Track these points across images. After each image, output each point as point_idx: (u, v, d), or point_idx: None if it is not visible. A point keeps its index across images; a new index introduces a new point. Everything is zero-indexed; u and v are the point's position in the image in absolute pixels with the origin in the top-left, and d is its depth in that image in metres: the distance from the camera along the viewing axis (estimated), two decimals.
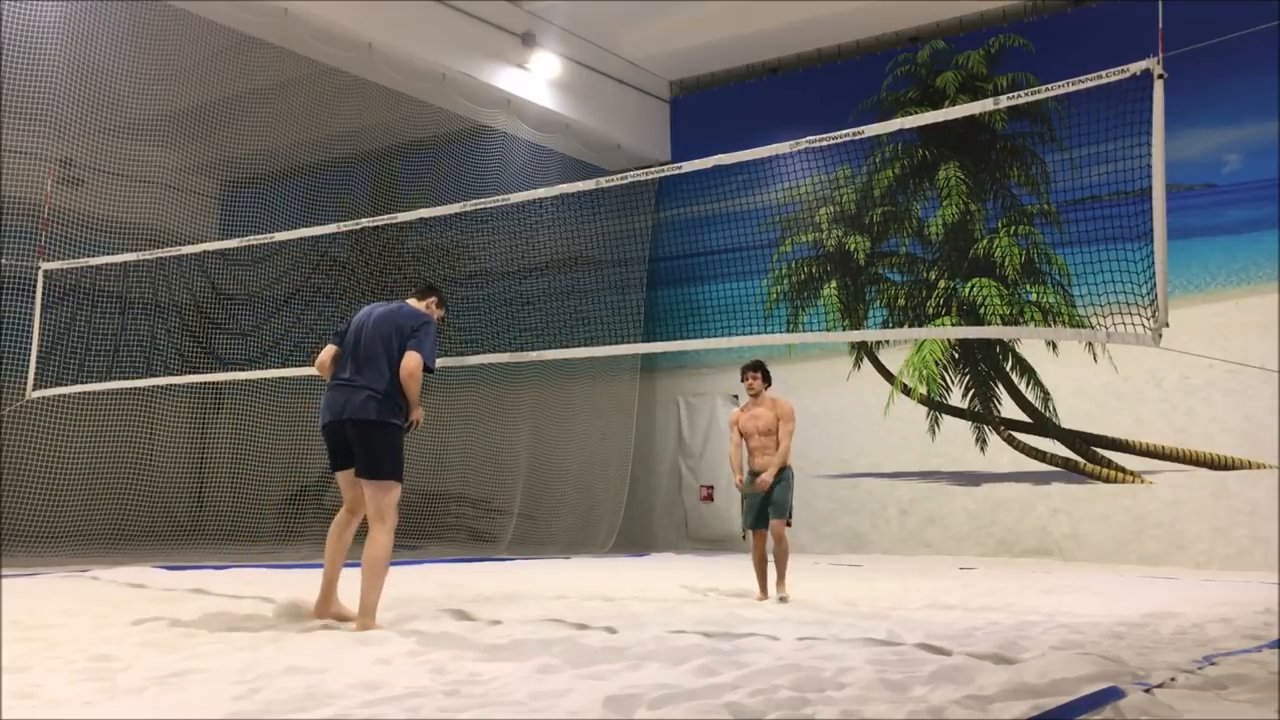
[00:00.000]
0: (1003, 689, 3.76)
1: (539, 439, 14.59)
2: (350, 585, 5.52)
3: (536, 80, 13.85)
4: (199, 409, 15.46)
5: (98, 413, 12.50)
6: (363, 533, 5.61)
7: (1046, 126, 12.96)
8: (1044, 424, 12.85)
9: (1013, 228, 13.24)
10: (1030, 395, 12.99)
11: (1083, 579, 9.89)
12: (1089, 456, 12.52)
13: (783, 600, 7.39)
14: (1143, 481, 12.14)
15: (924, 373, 13.67)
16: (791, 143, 7.21)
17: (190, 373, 13.60)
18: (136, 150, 12.14)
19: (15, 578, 7.85)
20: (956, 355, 13.56)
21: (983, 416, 13.29)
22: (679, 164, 7.96)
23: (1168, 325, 5.59)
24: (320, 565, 5.75)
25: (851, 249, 14.27)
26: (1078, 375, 12.66)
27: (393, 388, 5.51)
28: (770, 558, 7.65)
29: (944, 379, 13.60)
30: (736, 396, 13.39)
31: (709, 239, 14.20)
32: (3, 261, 10.65)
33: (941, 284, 13.59)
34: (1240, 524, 11.42)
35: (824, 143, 7.05)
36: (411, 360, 5.49)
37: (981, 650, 4.73)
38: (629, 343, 13.67)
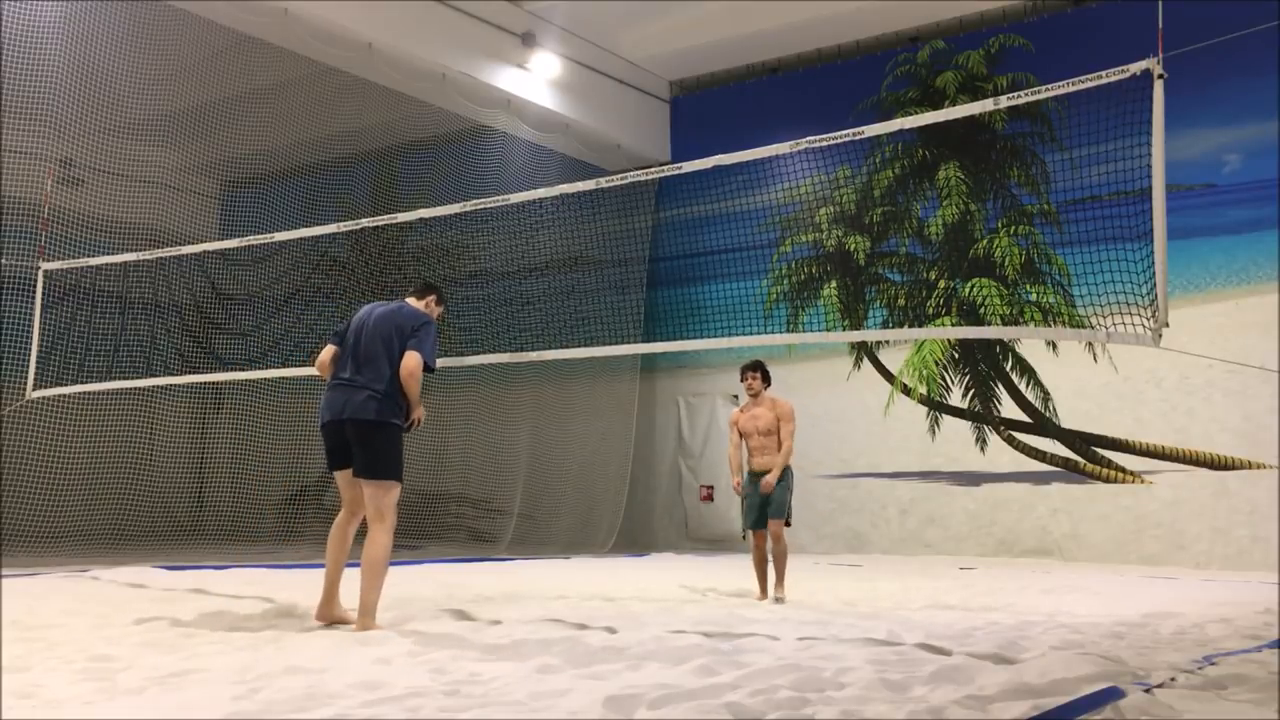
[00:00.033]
0: (1003, 689, 3.76)
1: (539, 439, 14.59)
2: (350, 585, 5.52)
3: (536, 80, 13.85)
4: (199, 409, 15.46)
5: (98, 413, 12.51)
6: (362, 533, 5.61)
7: (1046, 126, 12.96)
8: (1044, 424, 12.85)
9: (1013, 228, 13.24)
10: (1030, 395, 12.99)
11: (1083, 579, 9.88)
12: (1089, 456, 12.52)
13: (778, 601, 7.38)
14: (1143, 481, 12.14)
15: (924, 373, 13.67)
16: (791, 143, 7.21)
17: (190, 373, 13.60)
18: (136, 150, 12.14)
19: (15, 578, 7.85)
20: (956, 355, 13.56)
21: (983, 416, 13.29)
22: (679, 164, 7.96)
23: (1168, 325, 5.59)
24: (320, 565, 5.74)
25: (851, 249, 14.27)
26: (1078, 375, 12.66)
27: (393, 388, 5.51)
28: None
29: (944, 379, 13.60)
30: (736, 396, 13.39)
31: (709, 239, 14.20)
32: (3, 261, 10.65)
33: (941, 284, 13.59)
34: (1240, 524, 11.42)
35: (824, 143, 7.05)
36: (412, 360, 5.49)
37: (981, 650, 4.73)
38: (629, 343, 13.67)
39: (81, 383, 11.15)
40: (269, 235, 9.89)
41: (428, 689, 3.74)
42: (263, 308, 14.29)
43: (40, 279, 10.18)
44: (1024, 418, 13.01)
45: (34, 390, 10.11)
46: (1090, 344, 12.42)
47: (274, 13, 11.17)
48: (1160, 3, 6.05)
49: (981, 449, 13.24)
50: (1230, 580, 9.79)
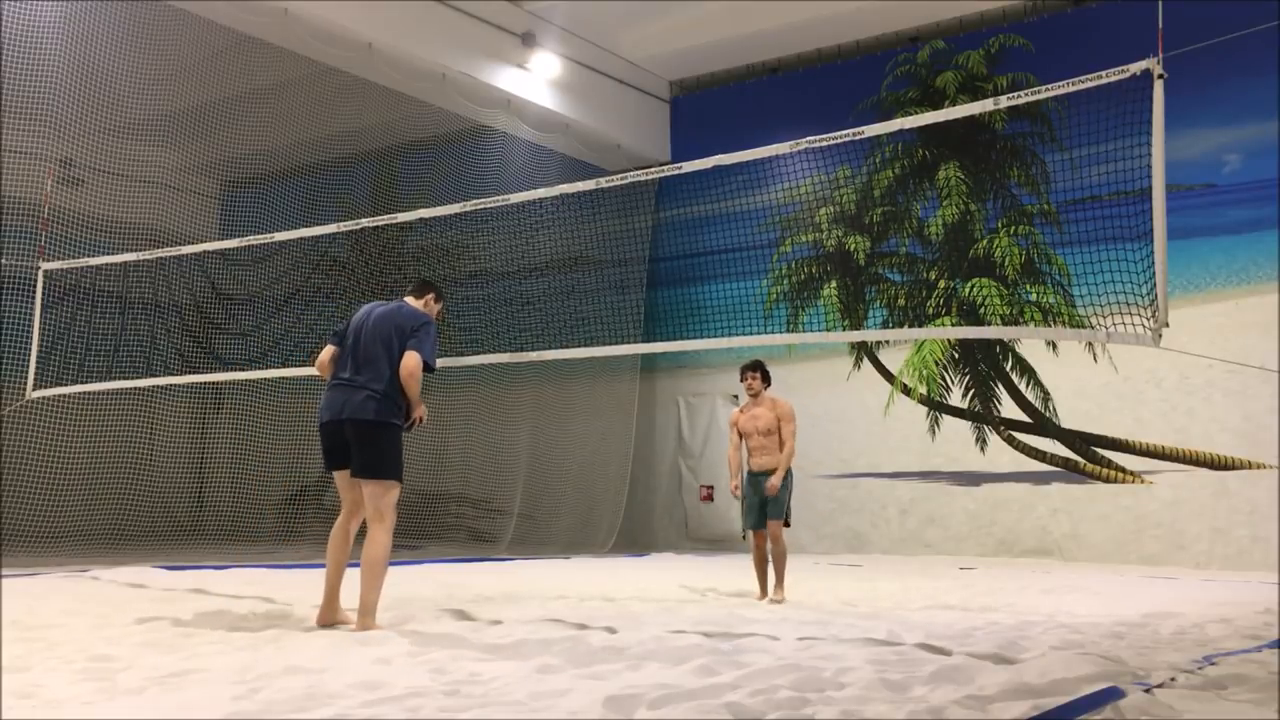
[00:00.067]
0: (1003, 689, 3.76)
1: (539, 439, 14.59)
2: (350, 585, 5.52)
3: (536, 80, 13.85)
4: (199, 409, 15.46)
5: (98, 413, 12.51)
6: (362, 533, 5.61)
7: (1046, 126, 12.96)
8: (1044, 424, 12.85)
9: (1013, 228, 13.24)
10: (1030, 395, 12.99)
11: (1083, 579, 9.88)
12: (1089, 456, 12.52)
13: (776, 603, 7.36)
14: (1143, 481, 12.14)
15: (924, 373, 13.67)
16: (791, 143, 7.21)
17: (190, 373, 13.60)
18: (136, 150, 12.14)
19: (15, 578, 7.85)
20: (956, 355, 13.56)
21: (983, 416, 13.29)
22: (679, 164, 7.96)
23: (1168, 325, 5.60)
24: (320, 565, 5.74)
25: (851, 249, 14.27)
26: (1078, 375, 12.66)
27: (392, 388, 5.51)
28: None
29: (944, 379, 13.60)
30: (736, 396, 13.39)
31: (709, 239, 14.20)
32: (3, 261, 10.65)
33: (941, 284, 13.59)
34: (1240, 524, 11.42)
35: (824, 143, 7.05)
36: (411, 360, 5.49)
37: (981, 650, 4.73)
38: (629, 343, 13.67)
39: (81, 383, 11.15)
40: (269, 235, 9.89)
41: (428, 689, 3.74)
42: (263, 308, 14.29)
43: (40, 279, 10.19)
44: (1024, 418, 13.01)
45: (34, 390, 10.11)
46: (1090, 344, 12.42)
47: (274, 13, 11.17)
48: (1160, 3, 6.05)
49: (981, 449, 13.24)
50: (1230, 580, 9.79)
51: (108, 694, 3.63)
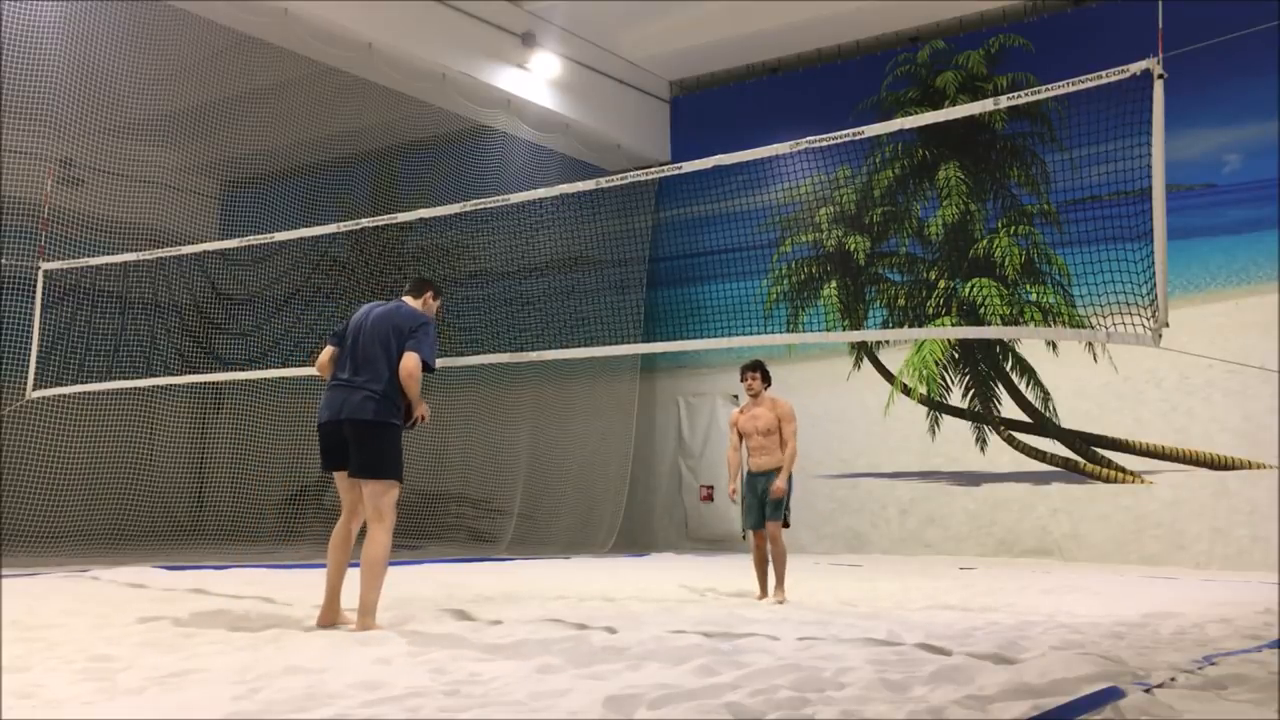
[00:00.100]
0: (1003, 689, 3.76)
1: (539, 439, 14.59)
2: (350, 585, 5.52)
3: (536, 80, 13.85)
4: (199, 409, 15.46)
5: (98, 413, 12.51)
6: (362, 533, 5.61)
7: (1046, 126, 12.96)
8: (1044, 424, 12.85)
9: (1013, 228, 13.24)
10: (1030, 395, 12.99)
11: (1083, 579, 9.88)
12: (1089, 456, 12.52)
13: (778, 603, 7.35)
14: (1143, 481, 12.14)
15: (924, 373, 13.67)
16: (791, 143, 7.21)
17: (190, 373, 13.60)
18: (136, 150, 12.14)
19: (15, 578, 7.85)
20: (956, 355, 13.56)
21: (983, 416, 13.29)
22: (679, 164, 7.96)
23: (1168, 325, 5.60)
24: (320, 565, 5.74)
25: (851, 249, 14.27)
26: (1078, 375, 12.66)
27: (391, 388, 5.50)
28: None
29: (944, 379, 13.60)
30: (736, 396, 13.38)
31: (709, 239, 14.20)
32: (3, 261, 10.65)
33: (941, 284, 13.59)
34: (1240, 524, 11.42)
35: (824, 143, 7.05)
36: (410, 361, 5.49)
37: (981, 650, 4.74)
38: (629, 343, 13.67)
39: (81, 383, 11.15)
40: (269, 235, 9.89)
41: (428, 689, 3.74)
42: (263, 308, 14.29)
43: (40, 279, 10.19)
44: (1024, 418, 13.01)
45: (34, 390, 10.11)
46: (1090, 344, 12.42)
47: (274, 13, 11.17)
48: (1160, 3, 6.05)
49: (981, 449, 13.24)
50: (1230, 580, 9.79)
51: (108, 694, 3.63)
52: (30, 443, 11.32)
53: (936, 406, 13.57)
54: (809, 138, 7.11)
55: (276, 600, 6.66)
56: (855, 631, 5.51)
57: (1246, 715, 3.52)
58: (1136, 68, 5.77)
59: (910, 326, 13.76)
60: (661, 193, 14.95)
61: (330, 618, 5.52)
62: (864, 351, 14.13)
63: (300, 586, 7.25)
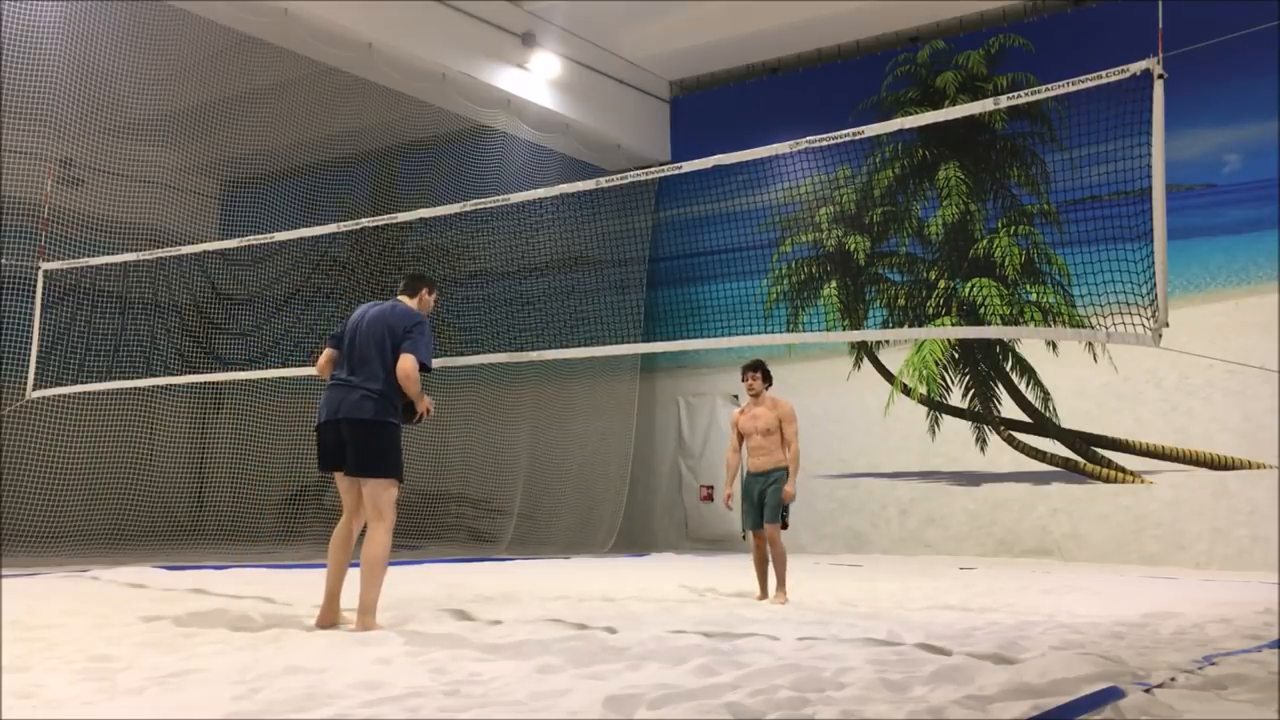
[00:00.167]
0: (1003, 689, 3.76)
1: (539, 439, 14.59)
2: (350, 585, 5.52)
3: (536, 80, 13.85)
4: (199, 409, 15.46)
5: (98, 413, 12.51)
6: (362, 532, 5.61)
7: (1046, 126, 12.96)
8: (1044, 424, 12.85)
9: (1013, 228, 13.24)
10: (1030, 395, 12.99)
11: (1083, 579, 9.88)
12: (1089, 456, 12.51)
13: (779, 604, 7.35)
14: (1143, 481, 12.14)
15: (924, 373, 13.67)
16: (791, 143, 7.21)
17: (190, 373, 13.60)
18: (136, 150, 12.14)
19: (15, 578, 7.85)
20: (956, 355, 13.56)
21: (983, 416, 13.29)
22: (679, 164, 7.97)
23: (1168, 325, 5.60)
24: (320, 565, 5.74)
25: (851, 249, 14.27)
26: (1078, 375, 12.66)
27: (389, 387, 5.50)
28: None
29: (944, 379, 13.60)
30: (736, 396, 13.39)
31: (709, 239, 14.20)
32: (3, 261, 10.65)
33: (941, 284, 13.59)
34: (1240, 524, 11.42)
35: (824, 143, 7.05)
36: (407, 363, 5.48)
37: (981, 650, 4.74)
38: (629, 343, 13.67)
39: (81, 383, 11.15)
40: (269, 235, 9.89)
41: (428, 689, 3.74)
42: (263, 308, 14.29)
43: (40, 279, 10.19)
44: (1024, 418, 13.01)
45: (34, 390, 10.11)
46: (1090, 344, 12.42)
47: (274, 13, 11.17)
48: (1160, 3, 6.05)
49: (981, 449, 13.24)
50: (1230, 580, 9.79)
51: (108, 694, 3.62)
52: (30, 443, 11.32)
53: (936, 406, 13.57)
54: (809, 138, 7.11)
55: (276, 600, 6.66)
56: (855, 631, 5.51)
57: (1246, 715, 3.52)
58: (1136, 68, 5.77)
59: (910, 326, 13.76)
60: (661, 193, 14.95)
61: (330, 618, 5.52)
62: (864, 351, 14.13)
63: (300, 586, 7.25)
